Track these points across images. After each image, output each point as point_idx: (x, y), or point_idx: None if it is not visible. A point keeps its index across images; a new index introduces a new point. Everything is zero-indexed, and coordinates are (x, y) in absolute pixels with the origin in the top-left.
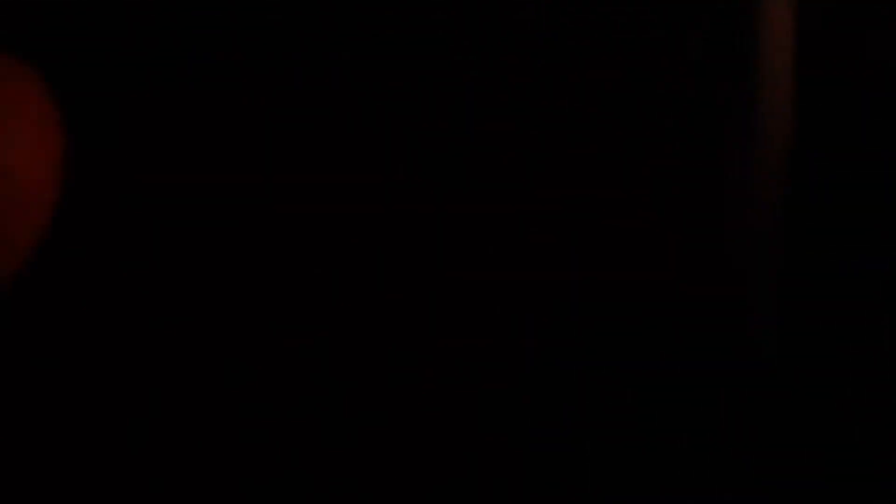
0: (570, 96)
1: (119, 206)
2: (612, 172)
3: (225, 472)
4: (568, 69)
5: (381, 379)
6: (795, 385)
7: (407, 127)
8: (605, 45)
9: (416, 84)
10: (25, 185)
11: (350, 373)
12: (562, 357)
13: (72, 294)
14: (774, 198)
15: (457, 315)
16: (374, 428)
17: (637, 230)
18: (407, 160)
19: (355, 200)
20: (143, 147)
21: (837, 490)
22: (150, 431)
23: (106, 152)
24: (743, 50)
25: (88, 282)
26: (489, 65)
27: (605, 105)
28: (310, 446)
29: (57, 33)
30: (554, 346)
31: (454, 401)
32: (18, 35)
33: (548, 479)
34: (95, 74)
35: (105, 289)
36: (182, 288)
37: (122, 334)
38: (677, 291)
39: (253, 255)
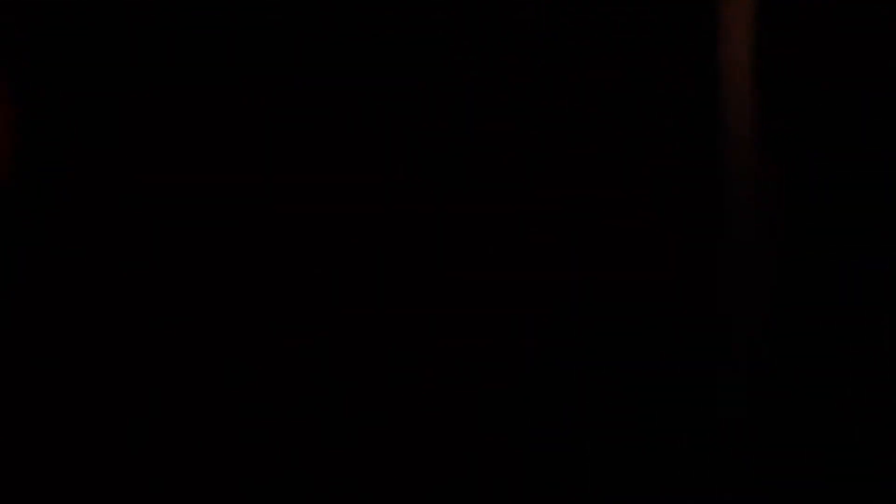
0: (570, 96)
1: (119, 206)
2: (612, 172)
3: (225, 472)
4: (568, 69)
5: (381, 379)
6: (794, 384)
7: (407, 127)
8: (605, 45)
9: (416, 84)
10: None
11: (350, 373)
12: (562, 357)
13: (72, 294)
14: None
15: (457, 315)
16: (374, 428)
17: (637, 230)
18: (407, 160)
19: (355, 200)
20: (143, 147)
21: (838, 490)
22: (150, 431)
23: (106, 152)
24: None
25: (88, 281)
26: (489, 65)
27: (605, 105)
28: (310, 446)
29: (57, 33)
30: (554, 346)
31: (454, 401)
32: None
33: (548, 479)
34: (95, 74)
35: (105, 288)
36: (182, 288)
37: (122, 334)
38: (677, 291)
39: (253, 255)
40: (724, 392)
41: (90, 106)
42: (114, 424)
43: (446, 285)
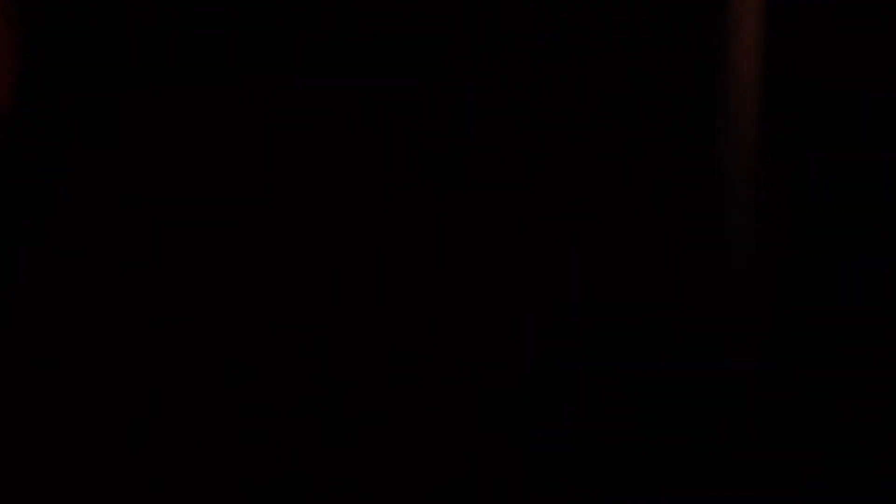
0: (570, 96)
1: (119, 206)
2: (612, 172)
3: (225, 472)
4: (568, 69)
5: (381, 379)
6: (794, 384)
7: (407, 127)
8: (605, 45)
9: (416, 84)
10: None
11: (350, 373)
12: (562, 357)
13: (72, 293)
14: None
15: (457, 315)
16: (374, 428)
17: (637, 230)
18: (407, 160)
19: (355, 200)
20: (143, 147)
21: (838, 490)
22: (150, 431)
23: (106, 152)
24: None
25: (88, 281)
26: (489, 65)
27: (605, 105)
28: (310, 446)
29: (57, 33)
30: (554, 346)
31: (454, 401)
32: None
33: (548, 479)
34: (95, 74)
35: (105, 288)
36: (182, 288)
37: (122, 334)
38: (677, 291)
39: (253, 255)
40: (724, 392)
41: (90, 106)
42: (114, 424)
43: (446, 285)
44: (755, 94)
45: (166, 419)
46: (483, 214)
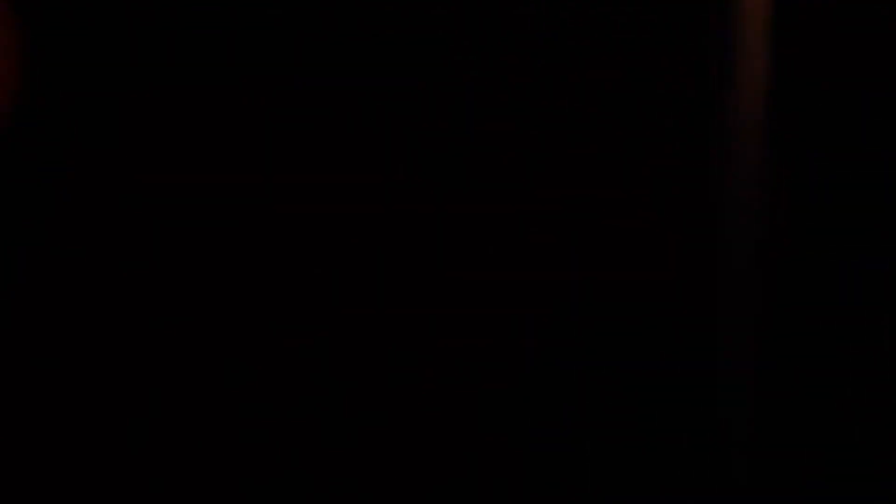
0: (570, 96)
1: (119, 206)
2: (612, 172)
3: (225, 472)
4: (568, 69)
5: (381, 379)
6: (794, 384)
7: (407, 127)
8: (605, 44)
9: (416, 84)
10: None
11: (350, 373)
12: (562, 357)
13: (72, 293)
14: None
15: (457, 315)
16: (374, 428)
17: (637, 230)
18: (407, 160)
19: (355, 200)
20: (143, 147)
21: (838, 490)
22: (150, 431)
23: (106, 152)
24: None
25: (88, 281)
26: (489, 65)
27: (605, 105)
28: (310, 446)
29: (57, 33)
30: (554, 346)
31: (454, 401)
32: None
33: (548, 479)
34: (95, 74)
35: (105, 288)
36: (182, 288)
37: (122, 333)
38: (677, 291)
39: (253, 255)
40: (724, 392)
41: (90, 106)
42: (114, 424)
43: (446, 285)
44: (759, 94)
45: (166, 419)
46: (483, 214)
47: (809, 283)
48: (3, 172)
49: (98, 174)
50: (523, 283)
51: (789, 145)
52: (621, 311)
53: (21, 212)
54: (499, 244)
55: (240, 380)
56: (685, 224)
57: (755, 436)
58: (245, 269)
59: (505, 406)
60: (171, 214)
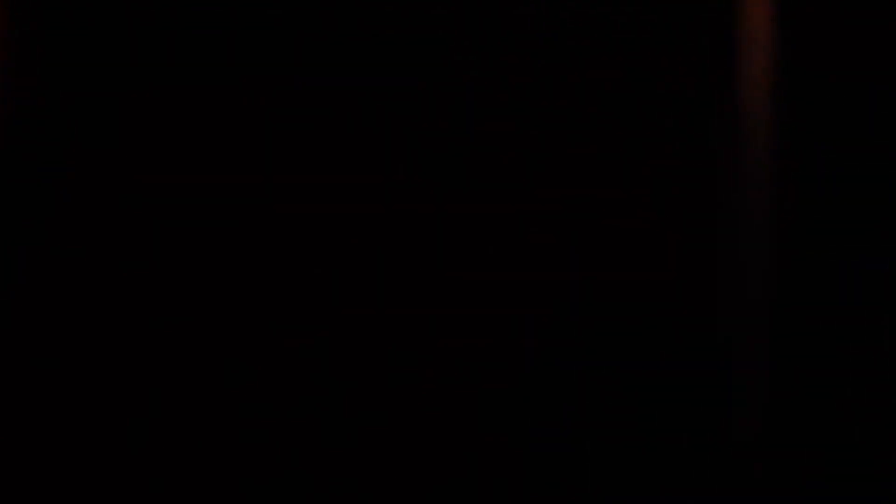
0: (570, 96)
1: (119, 207)
2: (612, 172)
3: (225, 472)
4: (568, 69)
5: (381, 379)
6: (795, 383)
7: (407, 127)
8: (605, 45)
9: (416, 84)
10: None
11: (350, 373)
12: (562, 357)
13: (71, 293)
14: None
15: (457, 315)
16: (374, 428)
17: (637, 230)
18: (407, 160)
19: (355, 200)
20: (143, 147)
21: (839, 487)
22: (150, 431)
23: (106, 152)
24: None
25: (88, 281)
26: (489, 65)
27: (605, 105)
28: (310, 446)
29: (56, 33)
30: (554, 346)
31: (454, 401)
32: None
33: (548, 479)
34: (95, 74)
35: (105, 288)
36: (182, 288)
37: (122, 333)
38: (677, 291)
39: (253, 255)
40: (724, 391)
41: (90, 106)
42: (114, 424)
43: (446, 285)
44: (763, 92)
45: (166, 418)
46: (483, 214)
47: (814, 281)
48: (3, 172)
49: (98, 174)
50: (523, 283)
51: (794, 142)
52: (622, 311)
53: (21, 212)
54: (499, 244)
55: (240, 379)
56: (685, 224)
57: (758, 435)
58: (245, 268)
59: (505, 406)
60: (171, 214)
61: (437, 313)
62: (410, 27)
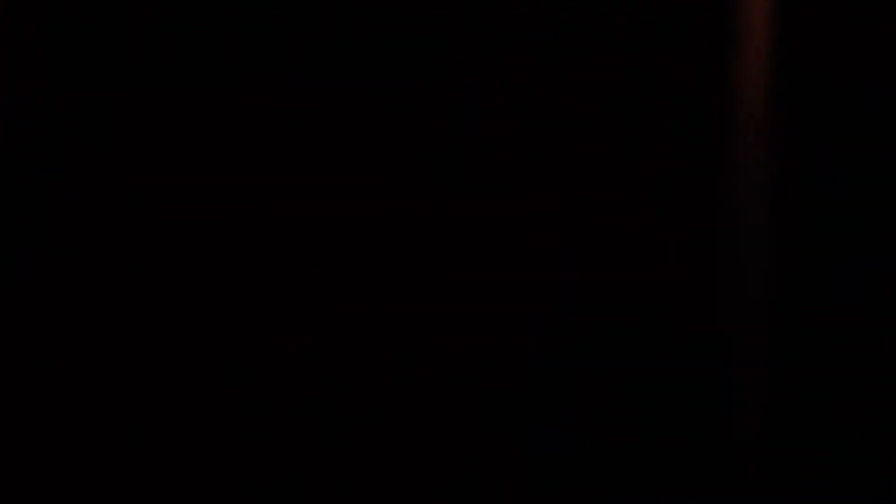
0: (570, 96)
1: (119, 207)
2: (612, 172)
3: (225, 472)
4: (568, 69)
5: (381, 379)
6: (795, 384)
7: (407, 127)
8: (605, 44)
9: (416, 84)
10: None
11: (350, 373)
12: (562, 357)
13: (71, 293)
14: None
15: (457, 315)
16: (374, 428)
17: (637, 230)
18: (407, 160)
19: (355, 200)
20: (143, 147)
21: (839, 489)
22: (150, 431)
23: (106, 152)
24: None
25: (88, 281)
26: (489, 65)
27: (605, 105)
28: (310, 446)
29: (58, 32)
30: (554, 346)
31: (454, 401)
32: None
33: (548, 479)
34: (95, 74)
35: (105, 288)
36: (182, 288)
37: (122, 333)
38: (677, 291)
39: (253, 255)
40: (724, 392)
41: (90, 106)
42: (114, 424)
43: (446, 285)
44: (761, 93)
45: (166, 418)
46: (483, 214)
47: (814, 282)
48: (3, 172)
49: (98, 174)
50: (523, 283)
51: (792, 143)
52: (622, 311)
53: (21, 212)
54: (499, 244)
55: (240, 379)
56: (685, 224)
57: (755, 436)
58: (245, 268)
59: (505, 406)
60: (171, 214)
61: (436, 313)
62: (410, 27)
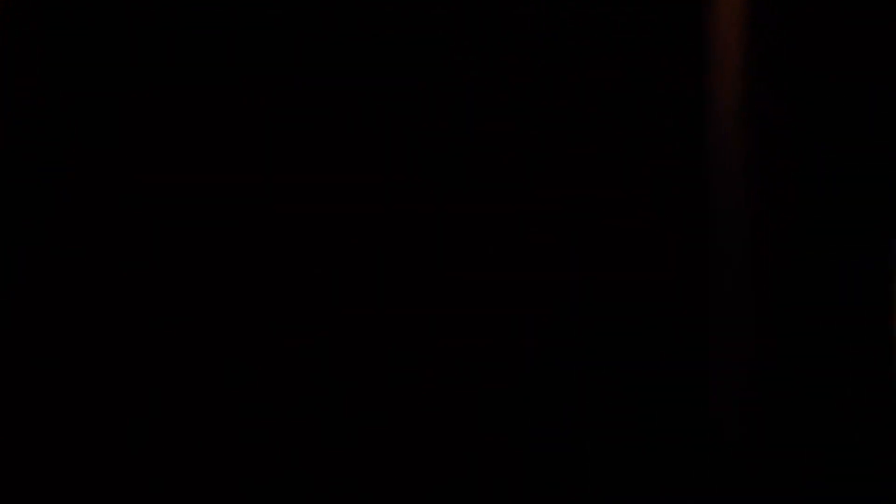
0: (569, 96)
1: (119, 206)
2: (612, 172)
3: (225, 472)
4: (567, 70)
5: (381, 379)
6: (789, 384)
7: (407, 127)
8: (603, 45)
9: (416, 84)
10: None
11: (350, 373)
12: (562, 357)
13: (71, 293)
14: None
15: (457, 315)
16: (374, 428)
17: (637, 230)
18: (407, 160)
19: (355, 200)
20: (143, 147)
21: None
22: (150, 431)
23: (106, 152)
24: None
25: (88, 281)
26: (489, 65)
27: (605, 105)
28: (310, 446)
29: (58, 32)
30: (554, 346)
31: (454, 401)
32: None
33: (548, 479)
34: (95, 74)
35: (105, 288)
36: (182, 288)
37: (123, 333)
38: (676, 291)
39: (253, 255)
40: (719, 392)
41: (90, 106)
42: (114, 424)
43: (446, 285)
44: (742, 93)
45: (166, 419)
46: (483, 214)
47: (806, 281)
48: (3, 172)
49: (98, 174)
50: (523, 283)
51: (784, 143)
52: (620, 311)
53: (21, 212)
54: (499, 244)
55: (240, 379)
56: (684, 224)
57: (750, 436)
58: (245, 268)
59: (505, 406)
60: (171, 214)
61: (437, 313)
62: (410, 27)
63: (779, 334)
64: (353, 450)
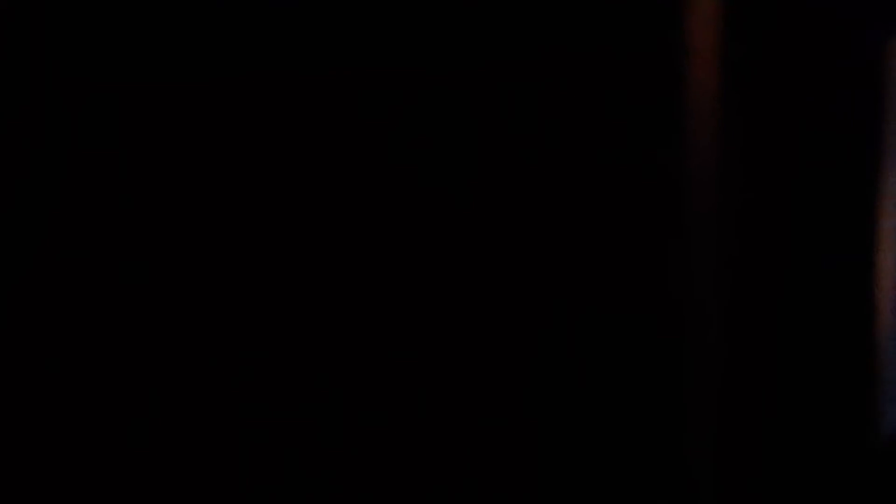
0: (569, 96)
1: (122, 207)
2: (613, 172)
3: (225, 472)
4: (567, 69)
5: (381, 379)
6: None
7: (407, 127)
8: (607, 45)
9: (416, 84)
10: None
11: (350, 373)
12: (562, 357)
13: (73, 294)
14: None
15: (457, 315)
16: (374, 428)
17: (637, 230)
18: (407, 160)
19: (355, 200)
20: (148, 147)
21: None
22: (150, 431)
23: (106, 152)
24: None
25: (89, 281)
26: (489, 65)
27: (604, 105)
28: (310, 446)
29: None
30: (554, 346)
31: (454, 401)
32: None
33: (548, 479)
34: (96, 73)
35: (105, 288)
36: (182, 288)
37: (123, 333)
38: (675, 291)
39: (253, 255)
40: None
41: (92, 106)
42: (114, 424)
43: (446, 285)
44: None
45: (166, 418)
46: (482, 214)
47: (777, 283)
48: (2, 172)
49: (99, 174)
50: (523, 283)
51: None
52: (621, 312)
53: (21, 212)
54: (498, 244)
55: (240, 379)
56: (685, 224)
57: (754, 433)
58: (245, 269)
59: (505, 406)
60: (171, 214)
61: (437, 313)
62: (410, 27)
63: (750, 336)
64: (353, 450)
